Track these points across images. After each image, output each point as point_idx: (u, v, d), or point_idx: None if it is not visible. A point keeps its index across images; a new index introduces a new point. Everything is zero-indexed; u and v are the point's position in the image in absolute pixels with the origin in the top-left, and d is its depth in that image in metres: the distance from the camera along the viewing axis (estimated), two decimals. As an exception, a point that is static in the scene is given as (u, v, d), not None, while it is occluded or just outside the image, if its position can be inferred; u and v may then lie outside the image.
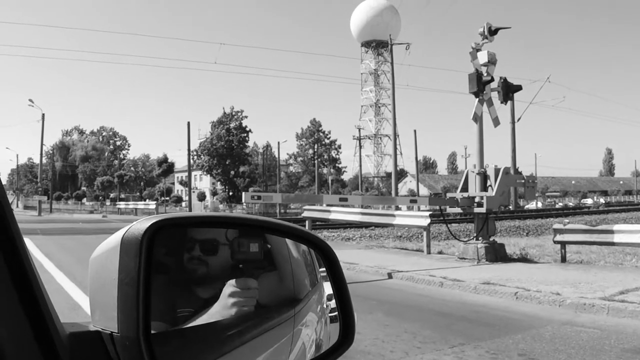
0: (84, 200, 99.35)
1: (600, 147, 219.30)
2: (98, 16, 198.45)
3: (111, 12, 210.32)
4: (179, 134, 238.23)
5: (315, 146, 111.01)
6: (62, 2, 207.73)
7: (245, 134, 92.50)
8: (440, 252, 19.24)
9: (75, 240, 23.52)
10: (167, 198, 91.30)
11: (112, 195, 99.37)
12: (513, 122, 53.55)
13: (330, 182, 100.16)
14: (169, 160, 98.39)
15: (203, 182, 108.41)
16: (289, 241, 1.71)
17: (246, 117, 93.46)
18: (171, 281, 1.43)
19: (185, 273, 1.45)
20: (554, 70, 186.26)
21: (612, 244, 15.53)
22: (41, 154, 70.32)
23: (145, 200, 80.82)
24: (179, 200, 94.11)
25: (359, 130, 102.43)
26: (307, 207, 26.44)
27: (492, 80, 17.34)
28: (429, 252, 18.76)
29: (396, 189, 51.57)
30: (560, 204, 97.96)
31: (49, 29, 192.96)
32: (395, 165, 52.13)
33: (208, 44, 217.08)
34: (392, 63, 53.03)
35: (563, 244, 16.44)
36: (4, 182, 1.15)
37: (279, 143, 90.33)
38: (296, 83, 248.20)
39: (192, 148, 71.35)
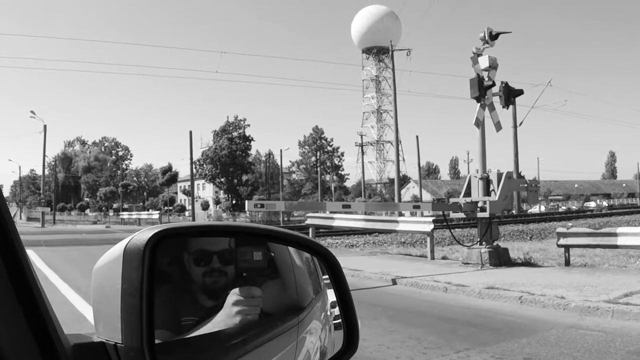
0: (87, 211, 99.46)
1: (602, 150, 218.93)
2: (99, 27, 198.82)
3: (113, 22, 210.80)
4: (181, 143, 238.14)
5: (318, 153, 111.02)
6: (64, 13, 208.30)
7: (248, 142, 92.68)
8: (444, 258, 19.23)
9: (79, 251, 23.51)
10: (171, 207, 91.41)
11: (115, 205, 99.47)
12: (515, 127, 53.53)
13: (333, 189, 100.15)
14: (173, 170, 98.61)
15: (206, 190, 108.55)
16: (291, 249, 1.71)
17: (248, 125, 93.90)
18: (174, 291, 1.44)
19: (188, 282, 1.46)
20: (556, 74, 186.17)
21: (616, 246, 15.52)
22: (43, 165, 70.54)
23: (148, 210, 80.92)
24: (182, 209, 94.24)
25: (361, 137, 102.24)
26: (310, 214, 26.49)
27: (494, 84, 17.34)
28: (432, 258, 18.75)
29: (399, 195, 51.51)
30: (563, 207, 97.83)
31: (51, 40, 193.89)
32: (398, 171, 52.00)
33: (210, 52, 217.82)
34: (393, 69, 52.99)
35: (567, 247, 16.43)
36: (6, 195, 1.15)
37: (281, 151, 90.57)
38: (298, 91, 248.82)
39: (195, 157, 71.53)
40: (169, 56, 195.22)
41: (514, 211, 48.40)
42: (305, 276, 1.79)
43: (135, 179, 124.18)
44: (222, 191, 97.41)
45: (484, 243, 16.78)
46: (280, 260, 1.67)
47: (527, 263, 17.20)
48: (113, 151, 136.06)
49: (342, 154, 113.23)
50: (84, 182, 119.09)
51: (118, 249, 1.28)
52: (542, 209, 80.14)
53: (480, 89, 17.16)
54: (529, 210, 68.62)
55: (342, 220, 24.19)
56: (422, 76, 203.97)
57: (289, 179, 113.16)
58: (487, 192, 16.93)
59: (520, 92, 18.20)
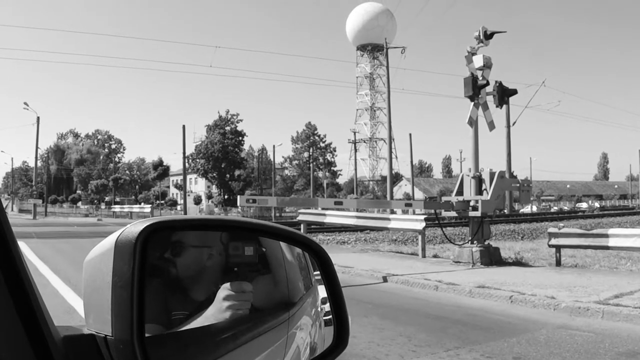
0: (79, 203, 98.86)
1: (595, 151, 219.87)
2: (93, 19, 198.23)
3: (106, 15, 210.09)
4: (174, 137, 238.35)
5: (311, 150, 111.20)
6: (58, 5, 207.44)
7: (240, 138, 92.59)
8: (435, 256, 19.25)
9: (70, 243, 23.43)
10: (162, 201, 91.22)
11: (107, 198, 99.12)
12: (508, 126, 53.59)
13: (325, 185, 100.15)
14: (165, 164, 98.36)
15: (198, 185, 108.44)
16: (283, 244, 1.71)
17: (241, 120, 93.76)
18: (165, 284, 1.43)
19: (179, 276, 1.45)
20: (549, 74, 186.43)
21: (607, 247, 15.54)
22: (36, 157, 70.49)
23: (140, 204, 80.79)
24: (174, 203, 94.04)
25: (355, 134, 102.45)
26: (302, 210, 26.52)
27: (488, 84, 17.35)
28: (424, 256, 18.77)
29: (391, 192, 51.54)
30: (555, 208, 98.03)
31: (45, 32, 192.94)
32: (391, 168, 52.03)
33: (204, 47, 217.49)
34: (387, 67, 53.03)
35: (558, 247, 16.46)
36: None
37: (274, 146, 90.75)
38: (292, 86, 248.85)
39: (187, 151, 71.43)
40: (163, 50, 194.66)
41: (505, 211, 48.46)
42: (297, 272, 1.78)
43: (127, 172, 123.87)
44: (214, 186, 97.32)
45: (475, 242, 16.81)
46: (272, 256, 1.67)
47: (518, 262, 17.24)
48: (106, 144, 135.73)
49: (335, 151, 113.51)
50: (76, 175, 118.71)
51: (110, 241, 1.28)
52: (534, 209, 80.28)
53: (474, 88, 17.16)
54: (521, 210, 68.74)
55: (333, 217, 24.20)
56: (416, 74, 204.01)
57: (281, 174, 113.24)
58: (480, 191, 16.95)
59: (514, 92, 18.23)
